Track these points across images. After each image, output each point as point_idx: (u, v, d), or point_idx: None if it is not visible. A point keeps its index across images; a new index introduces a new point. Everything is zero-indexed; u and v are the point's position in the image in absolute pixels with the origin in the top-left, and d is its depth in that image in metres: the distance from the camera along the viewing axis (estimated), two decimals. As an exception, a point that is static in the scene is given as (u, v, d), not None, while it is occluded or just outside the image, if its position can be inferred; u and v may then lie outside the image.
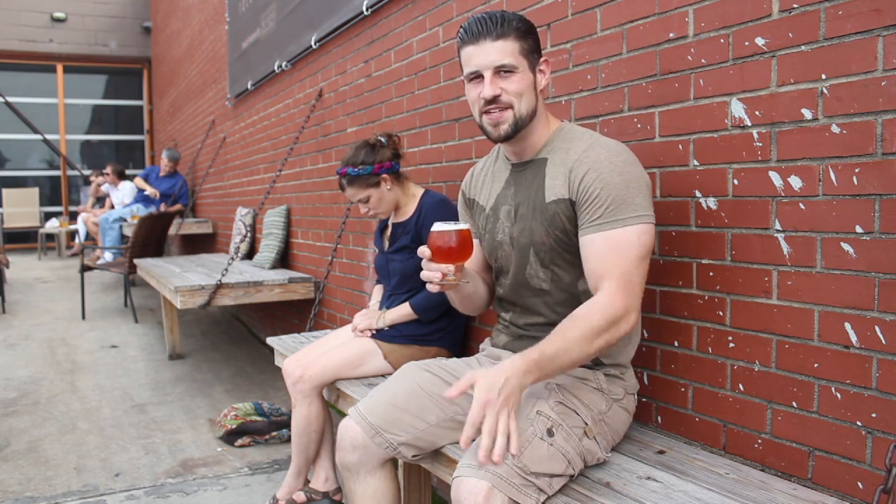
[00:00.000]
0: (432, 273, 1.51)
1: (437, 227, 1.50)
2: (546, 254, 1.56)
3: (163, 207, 7.43)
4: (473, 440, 1.28)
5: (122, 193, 8.21)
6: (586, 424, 1.47)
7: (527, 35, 1.54)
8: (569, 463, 1.39)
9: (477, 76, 1.54)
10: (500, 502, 1.28)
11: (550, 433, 1.39)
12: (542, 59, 1.59)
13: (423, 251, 1.51)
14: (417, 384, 1.69)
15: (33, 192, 11.44)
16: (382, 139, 2.40)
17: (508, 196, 1.66)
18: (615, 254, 1.44)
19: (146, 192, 7.72)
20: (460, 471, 1.33)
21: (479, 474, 1.29)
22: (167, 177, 7.71)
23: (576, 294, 1.58)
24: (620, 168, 1.48)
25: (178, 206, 7.51)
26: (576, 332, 1.38)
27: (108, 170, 8.68)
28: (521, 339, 1.67)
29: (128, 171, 9.12)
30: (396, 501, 1.76)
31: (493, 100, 1.52)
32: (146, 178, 7.87)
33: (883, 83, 1.25)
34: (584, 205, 1.48)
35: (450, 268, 1.50)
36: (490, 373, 1.29)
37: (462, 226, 1.50)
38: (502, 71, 1.51)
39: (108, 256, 7.26)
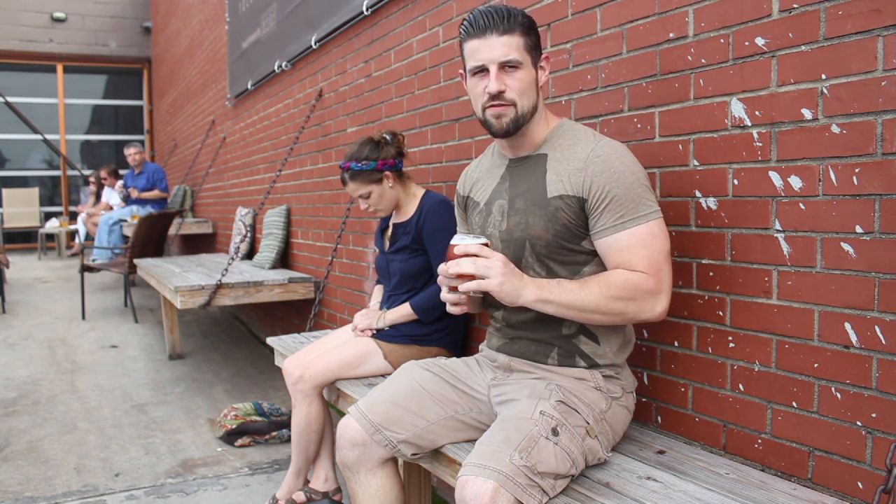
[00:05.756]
0: (453, 296, 1.49)
1: (457, 240, 1.46)
2: (543, 248, 1.55)
3: (133, 193, 7.33)
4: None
5: (116, 194, 8.20)
6: (588, 423, 1.47)
7: (530, 31, 1.55)
8: (573, 463, 1.39)
9: (481, 70, 1.54)
10: (505, 502, 1.27)
11: (555, 433, 1.39)
12: (542, 56, 1.59)
13: (444, 269, 1.45)
14: (418, 383, 1.69)
15: (33, 192, 11.44)
16: (387, 136, 2.40)
17: (503, 191, 1.65)
18: (642, 247, 1.46)
19: (134, 197, 7.67)
20: (465, 469, 1.32)
21: (485, 473, 1.28)
22: (141, 173, 7.62)
23: None
24: (631, 167, 1.49)
25: (155, 192, 7.44)
26: (597, 283, 1.45)
27: (103, 173, 8.68)
28: (514, 340, 1.65)
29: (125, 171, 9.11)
30: (400, 501, 1.73)
31: (498, 95, 1.52)
32: (125, 184, 7.81)
33: (883, 83, 1.25)
34: (601, 206, 1.48)
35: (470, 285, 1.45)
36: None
37: (481, 239, 1.46)
38: (507, 66, 1.51)
39: (103, 256, 7.22)
